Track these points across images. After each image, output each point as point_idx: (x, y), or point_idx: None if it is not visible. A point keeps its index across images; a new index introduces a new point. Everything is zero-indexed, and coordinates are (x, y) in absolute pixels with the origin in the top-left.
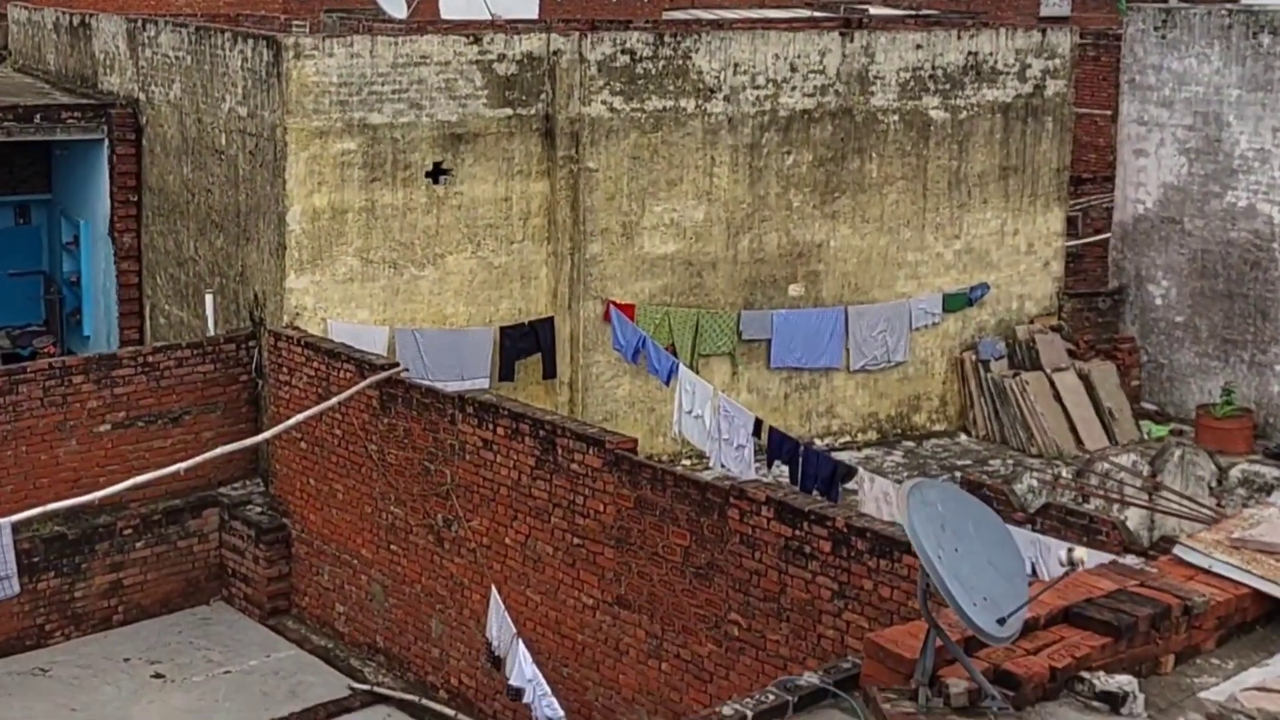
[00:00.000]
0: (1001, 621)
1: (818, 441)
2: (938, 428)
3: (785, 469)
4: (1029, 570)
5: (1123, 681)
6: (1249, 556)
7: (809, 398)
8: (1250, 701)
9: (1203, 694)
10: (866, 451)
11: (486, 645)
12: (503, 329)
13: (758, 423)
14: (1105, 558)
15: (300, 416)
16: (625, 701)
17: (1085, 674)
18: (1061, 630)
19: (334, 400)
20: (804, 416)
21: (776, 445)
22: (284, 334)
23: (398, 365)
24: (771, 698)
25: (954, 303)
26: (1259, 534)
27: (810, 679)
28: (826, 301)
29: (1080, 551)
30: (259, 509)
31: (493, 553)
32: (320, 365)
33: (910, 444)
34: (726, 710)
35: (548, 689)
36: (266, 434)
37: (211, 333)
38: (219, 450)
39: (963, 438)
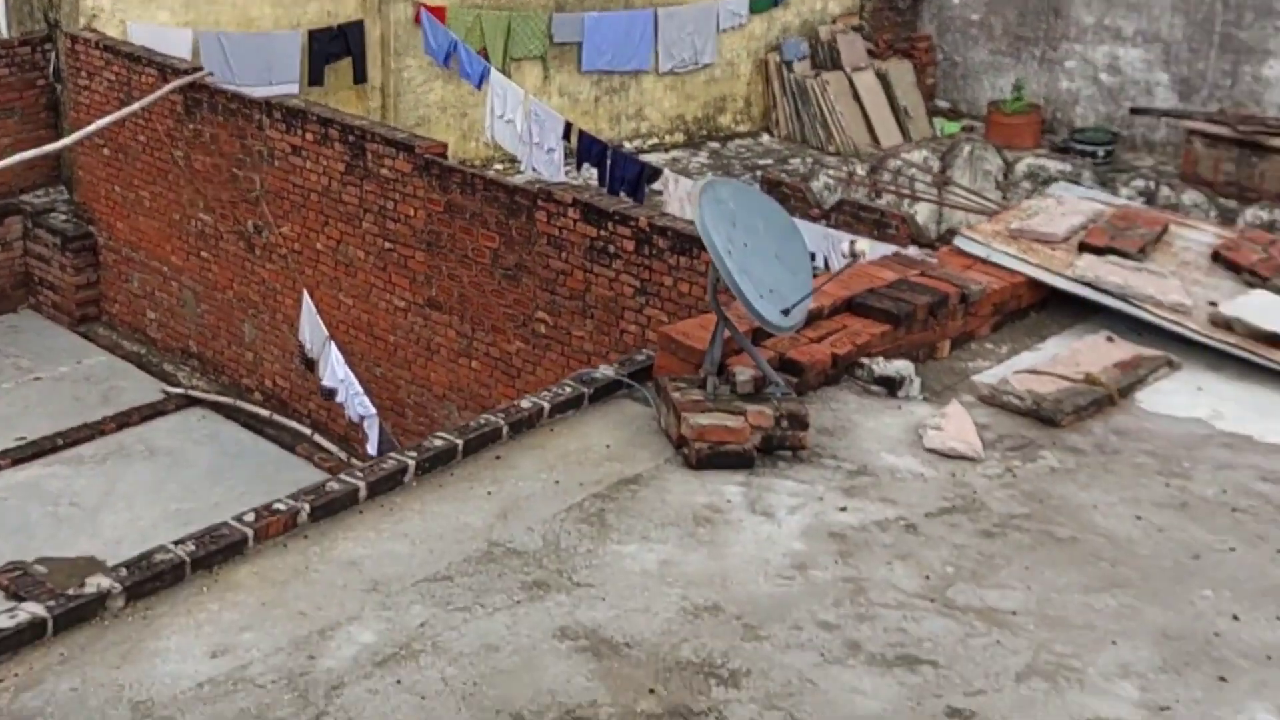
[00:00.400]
0: (786, 312)
1: (626, 144)
2: (742, 129)
3: (594, 172)
4: (820, 263)
5: (900, 366)
6: (1025, 246)
7: (619, 101)
8: (1020, 384)
9: (976, 377)
10: (674, 153)
11: (299, 348)
12: (311, 32)
13: (568, 126)
14: (893, 250)
15: (102, 122)
16: (436, 398)
17: (865, 360)
18: (844, 319)
19: (137, 105)
20: (613, 120)
21: (586, 148)
22: (81, 36)
23: (202, 69)
24: (569, 390)
25: (760, 4)
26: (1035, 224)
27: (606, 371)
28: (636, 3)
29: (862, 244)
30: (63, 217)
31: (304, 258)
32: (121, 69)
33: (715, 145)
34: (525, 403)
35: (360, 388)
36: (67, 140)
37: (4, 35)
38: (18, 157)
39: (765, 138)
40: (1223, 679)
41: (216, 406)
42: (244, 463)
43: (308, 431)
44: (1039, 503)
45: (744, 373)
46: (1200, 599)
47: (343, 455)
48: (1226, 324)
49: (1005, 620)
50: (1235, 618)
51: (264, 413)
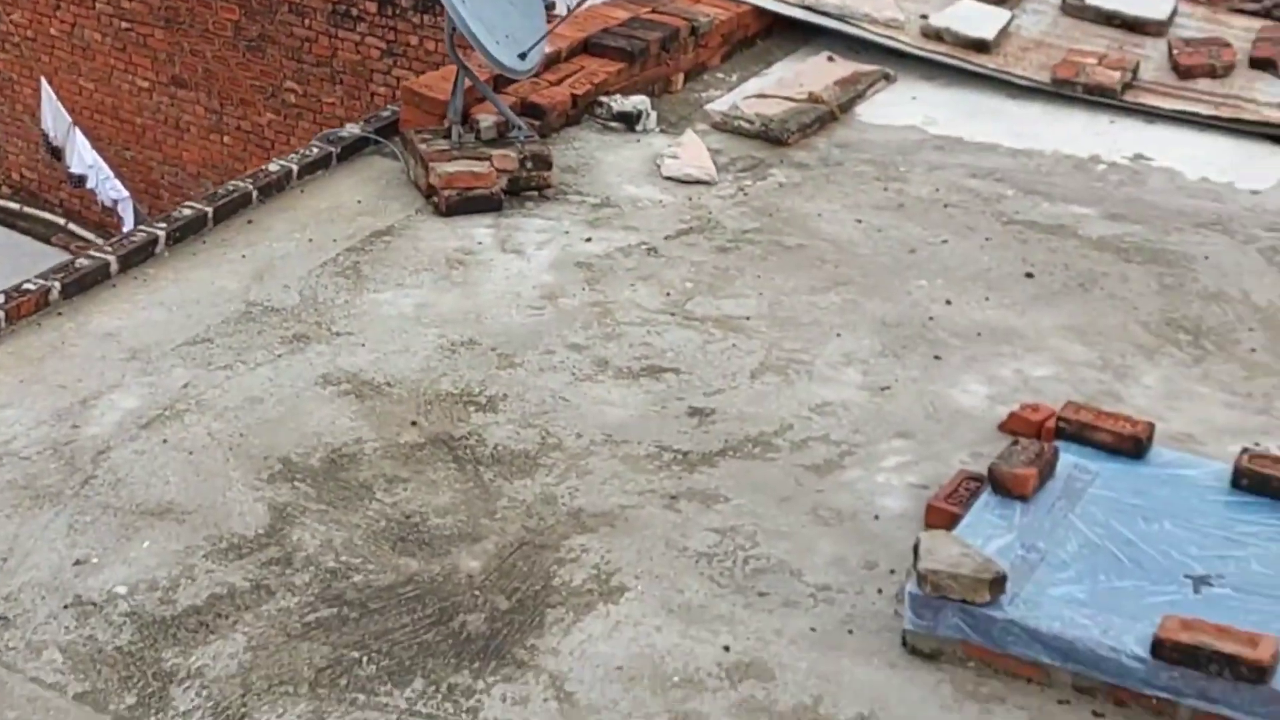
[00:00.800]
0: (522, 56)
1: None
2: None
3: None
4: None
5: (637, 101)
6: None
7: None
8: (750, 108)
9: (709, 106)
10: None
11: (43, 137)
12: None
13: None
14: None
15: None
16: (191, 177)
17: (603, 98)
18: (581, 60)
19: None
20: None
21: None
22: None
23: None
24: (316, 151)
25: None
26: None
27: (351, 129)
28: None
29: None
30: None
31: (39, 45)
32: None
33: None
34: (273, 166)
35: (110, 173)
36: None
37: None
38: None
39: None
40: (937, 357)
41: None
42: None
43: (61, 221)
44: (769, 216)
45: (487, 119)
46: (916, 289)
47: (100, 241)
48: (937, 35)
49: (740, 325)
50: (948, 302)
51: (14, 206)
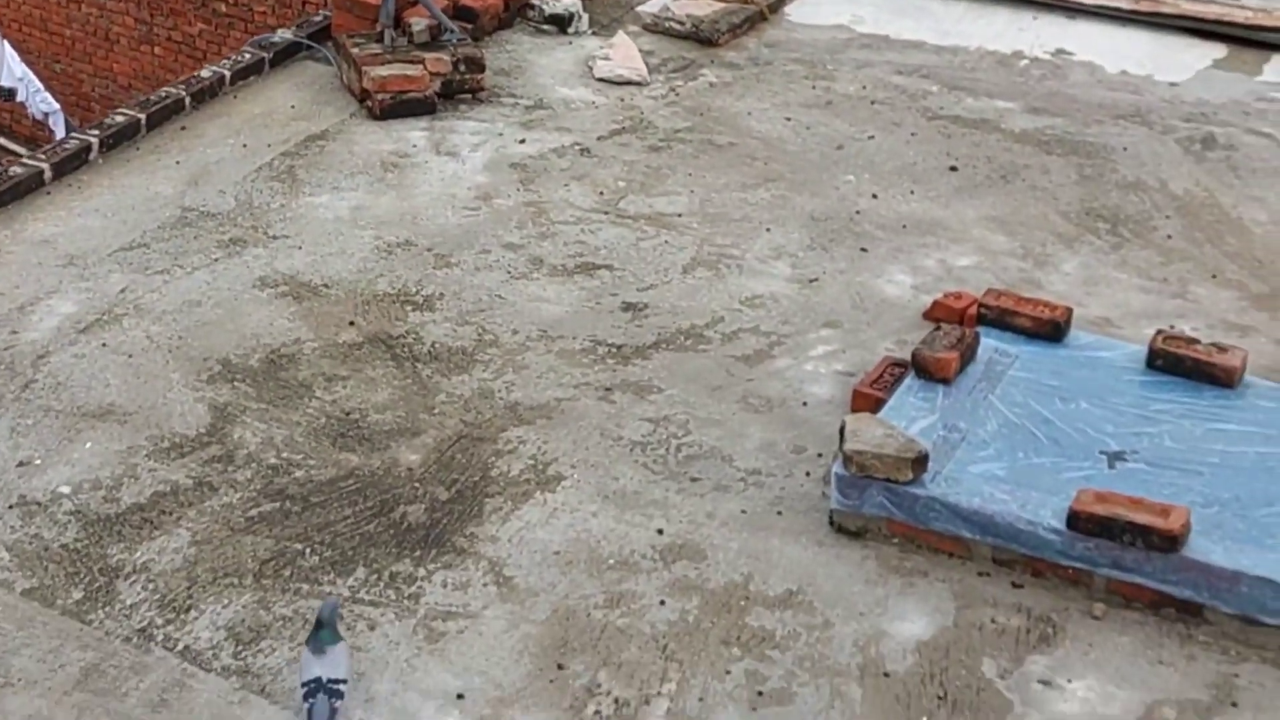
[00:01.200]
0: None
1: None
2: None
3: None
4: None
5: (569, 4)
6: None
7: None
8: (680, 9)
9: (640, 8)
10: None
11: None
12: None
13: None
14: None
15: None
16: (121, 89)
17: (535, 1)
18: None
19: None
20: None
21: None
22: None
23: None
24: (248, 56)
25: None
26: None
27: (284, 35)
28: None
29: None
30: None
31: None
32: None
33: None
34: (205, 73)
35: (40, 85)
36: None
37: None
38: None
39: None
40: (864, 249)
41: None
42: None
43: None
44: (700, 116)
45: (419, 23)
46: (844, 184)
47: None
48: None
49: (672, 222)
50: (874, 196)
51: None
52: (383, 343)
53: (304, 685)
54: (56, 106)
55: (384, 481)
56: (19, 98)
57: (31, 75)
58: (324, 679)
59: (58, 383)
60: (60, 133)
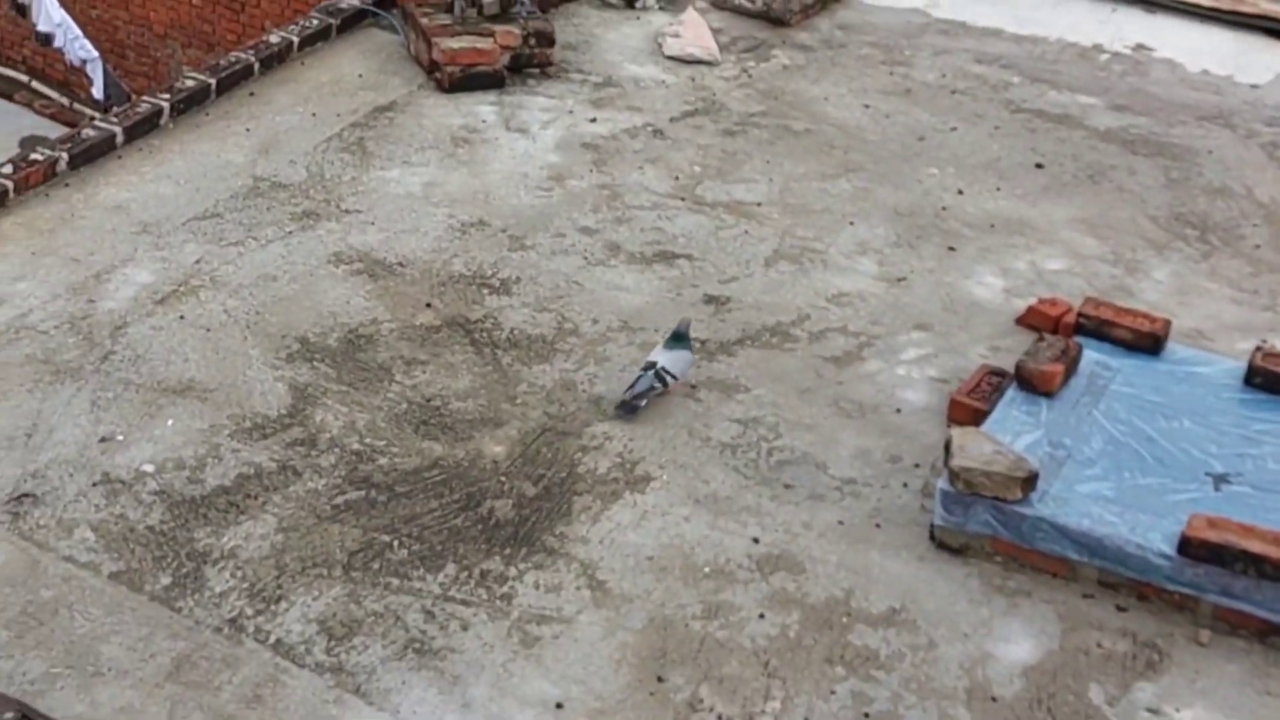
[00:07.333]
0: None
1: None
2: None
3: None
4: None
5: None
6: None
7: None
8: None
9: None
10: None
11: None
12: None
13: None
14: None
15: None
16: (158, 37)
17: None
18: None
19: None
20: None
21: None
22: None
23: None
24: (316, 22)
25: None
26: None
27: (351, 1)
28: None
29: None
30: None
31: None
32: None
33: None
34: (273, 38)
35: (78, 32)
36: None
37: None
38: None
39: None
40: (951, 248)
41: None
42: None
43: (25, 79)
44: (774, 99)
45: None
46: (927, 177)
47: (64, 101)
48: None
49: (751, 212)
50: (960, 192)
51: None
52: (461, 327)
53: (645, 363)
54: (95, 54)
55: (469, 474)
56: (56, 44)
57: (70, 21)
58: (659, 364)
59: (137, 355)
60: (97, 80)
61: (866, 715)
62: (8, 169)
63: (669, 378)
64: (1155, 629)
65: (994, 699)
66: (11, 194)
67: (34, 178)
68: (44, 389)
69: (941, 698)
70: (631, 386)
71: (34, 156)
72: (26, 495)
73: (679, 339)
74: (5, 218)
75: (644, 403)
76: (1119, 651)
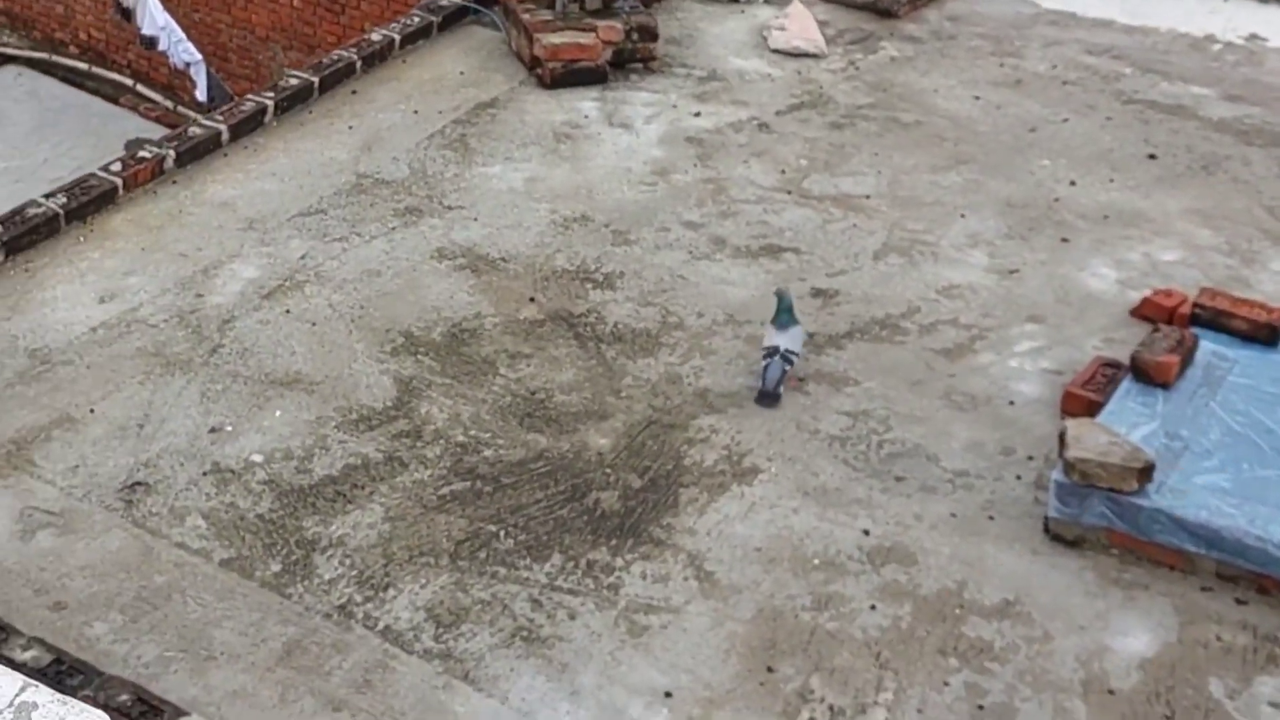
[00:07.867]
0: None
1: None
2: None
3: None
4: None
5: None
6: None
7: None
8: None
9: None
10: None
11: None
12: None
13: None
14: None
15: None
16: (260, 40)
17: None
18: None
19: None
20: None
21: None
22: None
23: None
24: (417, 20)
25: None
26: None
27: None
28: None
29: None
30: None
31: None
32: None
33: None
34: (375, 36)
35: (182, 35)
36: None
37: None
38: None
39: None
40: (1065, 240)
41: (31, 63)
42: (67, 117)
43: (129, 82)
44: (883, 92)
45: None
46: (1039, 168)
47: (169, 104)
48: None
49: (859, 205)
50: (1072, 183)
51: (82, 66)
52: (565, 321)
53: (765, 350)
54: (199, 57)
55: (574, 465)
56: (161, 47)
57: (174, 24)
58: (782, 348)
59: (244, 348)
60: (201, 84)
61: (981, 707)
62: (116, 166)
63: (794, 357)
64: (1276, 623)
65: (1111, 692)
66: (121, 191)
67: (142, 175)
68: (155, 381)
69: (1057, 690)
70: (763, 376)
71: (142, 154)
72: (139, 484)
73: (787, 313)
74: (115, 214)
75: (783, 389)
76: (1239, 645)
